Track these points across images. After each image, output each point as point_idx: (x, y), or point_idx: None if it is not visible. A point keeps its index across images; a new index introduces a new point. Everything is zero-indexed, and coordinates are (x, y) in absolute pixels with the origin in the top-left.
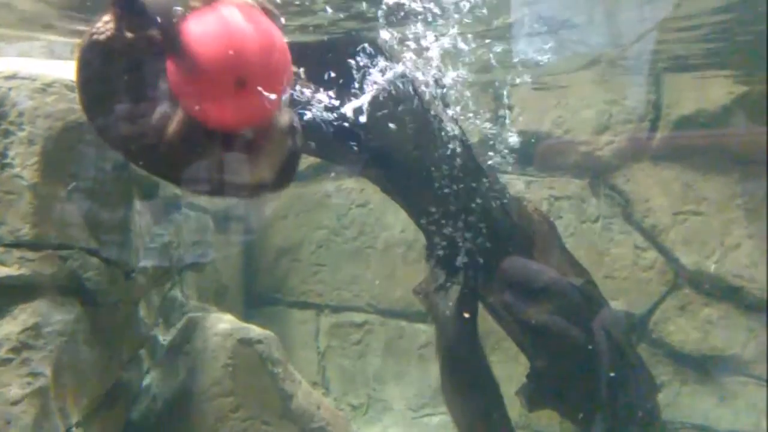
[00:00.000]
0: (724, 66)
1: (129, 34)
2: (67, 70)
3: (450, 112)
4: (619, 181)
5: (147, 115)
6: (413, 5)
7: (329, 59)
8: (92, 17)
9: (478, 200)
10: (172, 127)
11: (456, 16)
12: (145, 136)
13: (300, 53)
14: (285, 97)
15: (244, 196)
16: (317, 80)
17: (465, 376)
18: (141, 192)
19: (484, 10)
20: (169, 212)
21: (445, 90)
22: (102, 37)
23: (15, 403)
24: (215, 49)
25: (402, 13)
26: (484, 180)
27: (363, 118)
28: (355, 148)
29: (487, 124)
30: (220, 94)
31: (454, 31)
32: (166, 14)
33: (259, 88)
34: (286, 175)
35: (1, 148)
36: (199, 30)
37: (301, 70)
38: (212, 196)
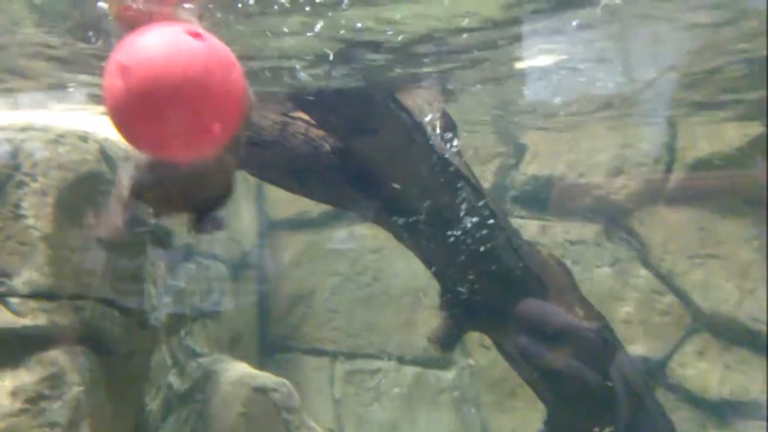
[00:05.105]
0: (740, 108)
1: None
2: (79, 121)
3: (461, 156)
4: (635, 225)
5: None
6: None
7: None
8: None
9: (492, 246)
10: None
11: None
12: None
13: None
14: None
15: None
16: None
17: None
18: (155, 241)
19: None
20: (184, 261)
21: (456, 135)
22: None
23: None
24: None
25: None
26: (498, 225)
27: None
28: (367, 195)
29: (500, 169)
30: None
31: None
32: None
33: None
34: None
35: (16, 199)
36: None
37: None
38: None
